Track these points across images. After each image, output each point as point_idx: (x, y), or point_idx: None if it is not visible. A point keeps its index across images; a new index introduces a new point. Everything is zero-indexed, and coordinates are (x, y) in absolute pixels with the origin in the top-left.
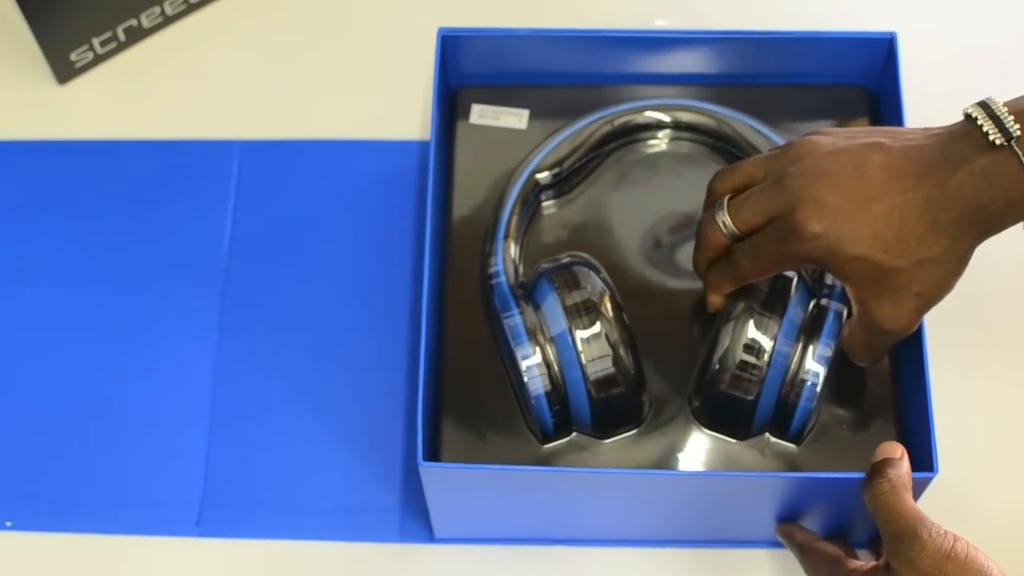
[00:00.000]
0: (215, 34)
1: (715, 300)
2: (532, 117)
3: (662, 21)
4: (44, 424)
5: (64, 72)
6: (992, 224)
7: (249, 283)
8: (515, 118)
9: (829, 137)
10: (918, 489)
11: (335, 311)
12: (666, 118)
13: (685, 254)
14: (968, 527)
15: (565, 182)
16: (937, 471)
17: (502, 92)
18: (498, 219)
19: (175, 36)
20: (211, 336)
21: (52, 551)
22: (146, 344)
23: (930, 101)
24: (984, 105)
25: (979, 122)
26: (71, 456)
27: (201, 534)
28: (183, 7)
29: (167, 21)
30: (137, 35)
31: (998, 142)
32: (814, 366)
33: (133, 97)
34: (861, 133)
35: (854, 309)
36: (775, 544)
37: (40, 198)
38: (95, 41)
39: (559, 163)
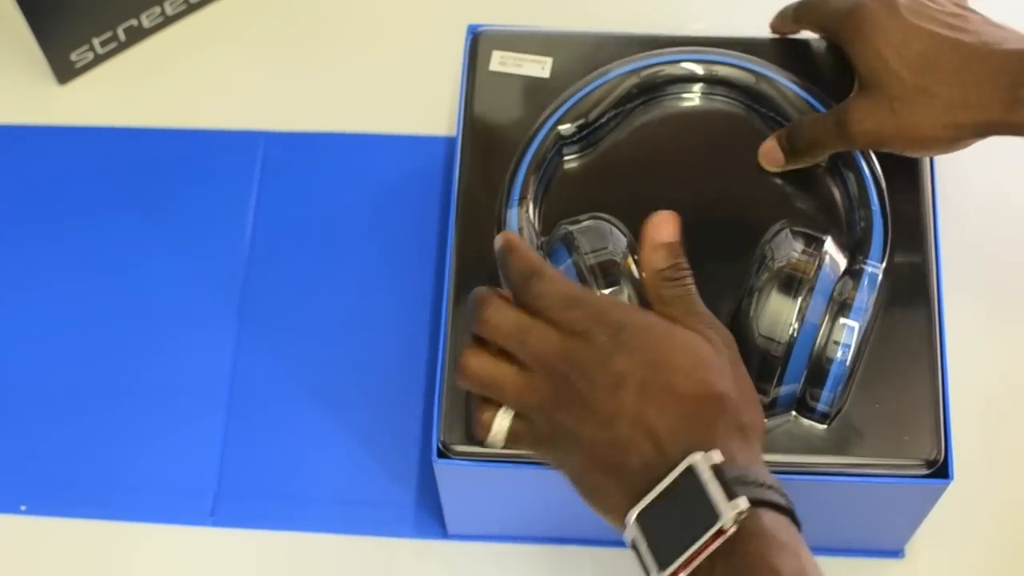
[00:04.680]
0: (216, 34)
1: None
2: (556, 66)
3: (697, 25)
4: (61, 410)
5: (64, 72)
6: (1011, 109)
7: (270, 274)
8: (538, 66)
9: None
10: (932, 497)
11: (355, 306)
12: (701, 71)
13: (716, 217)
14: (982, 533)
15: (590, 135)
16: (952, 478)
17: (525, 39)
18: (514, 179)
19: (175, 36)
20: (230, 327)
21: (65, 536)
22: (165, 334)
23: None
24: None
25: None
26: (87, 443)
27: (215, 524)
28: (183, 7)
29: (167, 21)
30: (137, 35)
31: None
32: (843, 344)
33: (133, 97)
34: (966, 4)
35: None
36: None
37: (62, 185)
38: (95, 41)
39: (584, 115)
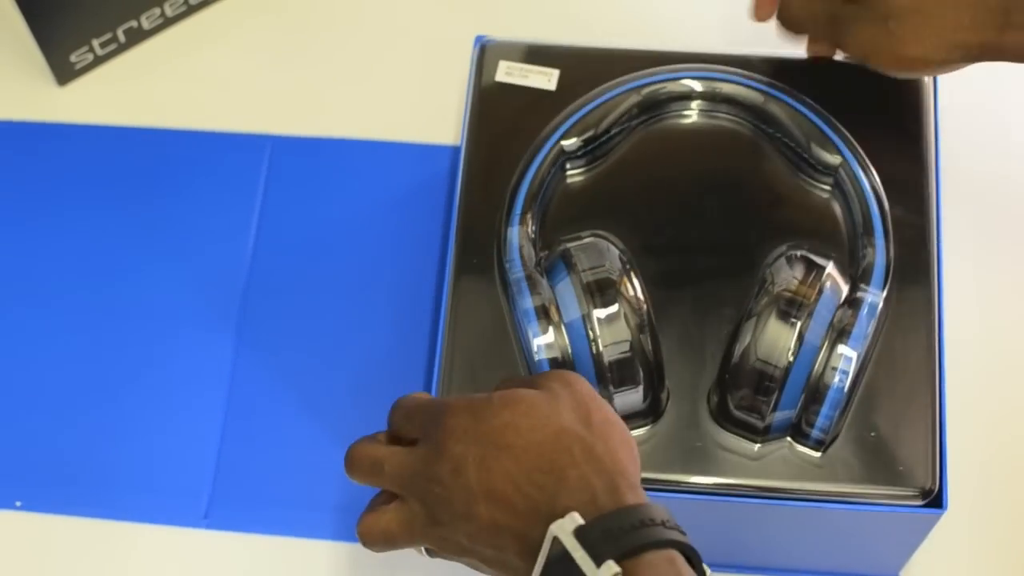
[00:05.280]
0: (216, 36)
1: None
2: (562, 78)
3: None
4: (59, 409)
5: (64, 73)
6: (1002, 30)
7: (271, 279)
8: (544, 77)
9: None
10: (926, 526)
11: (356, 315)
12: (706, 89)
13: (719, 237)
14: (977, 559)
15: (595, 150)
16: (946, 508)
17: (532, 51)
18: (516, 194)
19: (175, 37)
20: (230, 332)
21: (59, 533)
22: (166, 335)
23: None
24: None
25: None
26: (84, 441)
27: (209, 526)
28: (183, 8)
29: (167, 22)
30: (137, 36)
31: None
32: (841, 371)
33: (133, 99)
34: None
35: None
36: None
37: (64, 184)
38: (95, 42)
39: (588, 130)
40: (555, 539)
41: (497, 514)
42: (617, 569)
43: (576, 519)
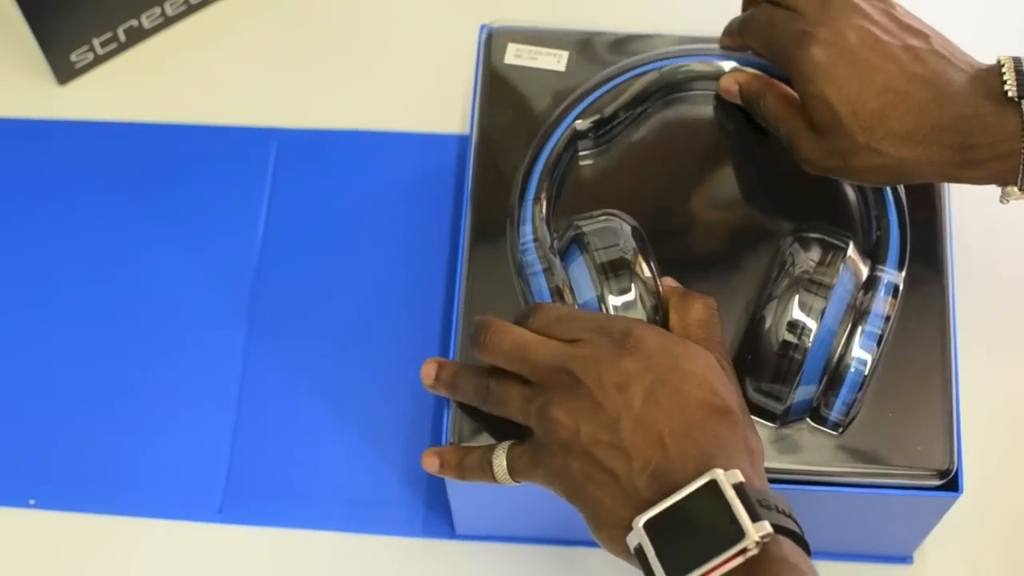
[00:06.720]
0: (217, 34)
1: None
2: (572, 60)
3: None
4: (71, 406)
5: (64, 73)
6: (960, 167)
7: (281, 272)
8: (553, 59)
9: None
10: (942, 508)
11: (366, 306)
12: (721, 68)
13: (733, 219)
14: (991, 540)
15: (607, 132)
16: (962, 491)
17: (538, 36)
18: (529, 175)
19: (176, 37)
20: (240, 325)
21: (73, 531)
22: (176, 329)
23: None
24: (1017, 60)
25: (1003, 70)
26: (97, 438)
27: (223, 520)
28: (184, 7)
29: (168, 22)
30: (137, 36)
31: (1011, 94)
32: (860, 353)
33: (133, 98)
34: (915, 24)
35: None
36: None
37: (72, 180)
38: (95, 42)
39: (600, 110)
40: (709, 484)
41: (641, 443)
42: (770, 530)
43: (738, 476)
